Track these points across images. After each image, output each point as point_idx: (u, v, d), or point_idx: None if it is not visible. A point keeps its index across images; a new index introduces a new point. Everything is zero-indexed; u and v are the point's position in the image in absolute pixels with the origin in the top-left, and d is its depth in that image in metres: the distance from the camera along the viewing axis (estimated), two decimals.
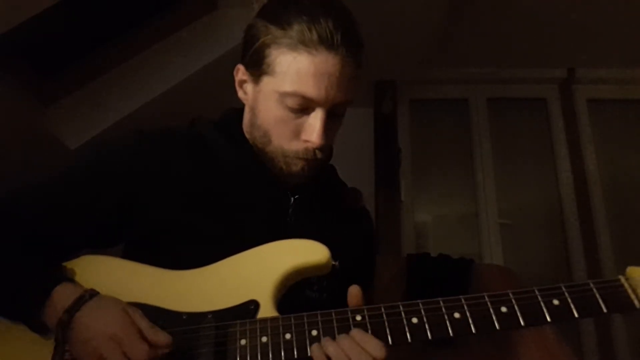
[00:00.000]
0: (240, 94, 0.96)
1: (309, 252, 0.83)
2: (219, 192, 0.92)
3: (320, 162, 0.92)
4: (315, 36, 0.82)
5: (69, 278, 0.81)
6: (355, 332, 0.74)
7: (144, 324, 0.74)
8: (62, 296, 0.76)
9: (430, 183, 3.33)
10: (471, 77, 3.39)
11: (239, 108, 1.00)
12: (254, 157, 0.94)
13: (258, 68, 0.88)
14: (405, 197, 3.11)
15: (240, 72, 0.94)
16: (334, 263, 0.83)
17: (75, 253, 0.89)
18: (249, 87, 0.93)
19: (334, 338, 0.74)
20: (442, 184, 3.36)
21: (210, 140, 0.96)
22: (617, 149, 3.28)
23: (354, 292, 0.79)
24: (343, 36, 0.83)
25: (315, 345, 0.74)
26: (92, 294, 0.77)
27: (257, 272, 0.82)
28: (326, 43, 0.82)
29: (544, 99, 3.44)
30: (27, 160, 1.86)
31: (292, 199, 0.96)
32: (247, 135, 0.97)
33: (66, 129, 2.05)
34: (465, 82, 3.41)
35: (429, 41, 2.76)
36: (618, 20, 2.81)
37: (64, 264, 0.85)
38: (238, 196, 0.93)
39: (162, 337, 0.73)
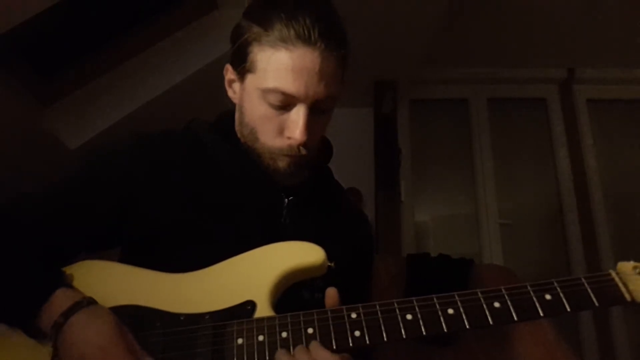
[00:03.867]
0: (229, 93, 0.97)
1: (304, 253, 0.84)
2: (215, 194, 0.93)
3: (305, 159, 0.92)
4: (292, 33, 0.83)
5: (68, 283, 0.81)
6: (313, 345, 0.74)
7: (134, 343, 0.74)
8: (61, 300, 0.76)
9: (430, 183, 3.33)
10: (471, 77, 3.39)
11: (234, 109, 1.00)
12: (248, 158, 0.94)
13: (242, 66, 0.90)
14: (405, 197, 3.11)
15: (229, 72, 0.95)
16: (329, 264, 0.83)
17: (75, 256, 0.89)
18: (236, 86, 0.95)
19: (329, 339, 0.74)
20: (442, 184, 3.36)
21: (206, 142, 0.97)
22: (617, 149, 3.28)
23: (330, 294, 0.79)
24: (321, 31, 0.84)
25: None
26: (90, 301, 0.77)
27: (254, 274, 0.83)
28: (303, 38, 0.83)
29: (544, 99, 3.45)
30: (26, 160, 1.87)
31: (287, 200, 0.96)
32: (238, 134, 0.97)
33: (66, 129, 2.05)
34: (465, 82, 3.41)
35: (429, 41, 2.76)
36: (618, 20, 2.81)
37: (63, 268, 0.85)
38: (234, 197, 0.93)
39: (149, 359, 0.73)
